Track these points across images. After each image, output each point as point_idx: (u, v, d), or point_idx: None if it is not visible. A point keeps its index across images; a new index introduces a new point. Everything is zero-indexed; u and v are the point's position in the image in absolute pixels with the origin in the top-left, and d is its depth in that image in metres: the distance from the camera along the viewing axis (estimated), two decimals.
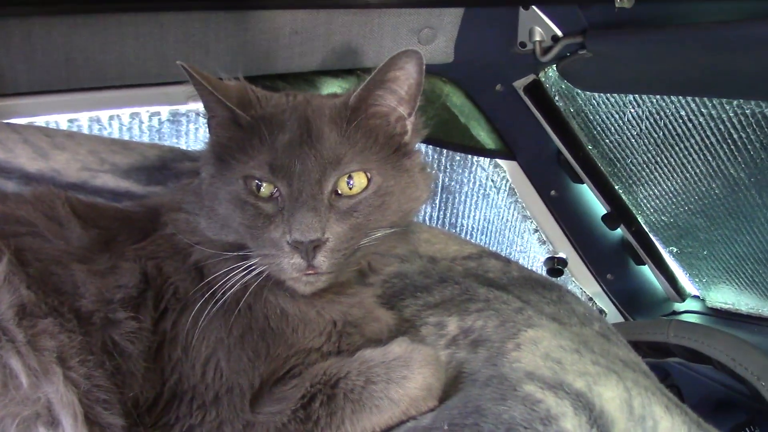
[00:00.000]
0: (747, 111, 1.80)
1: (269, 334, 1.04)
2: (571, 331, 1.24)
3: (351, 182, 1.03)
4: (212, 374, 0.99)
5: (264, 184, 1.02)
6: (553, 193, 2.39)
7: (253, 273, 1.01)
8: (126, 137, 1.84)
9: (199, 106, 1.89)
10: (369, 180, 1.04)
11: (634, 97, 2.03)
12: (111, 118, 1.82)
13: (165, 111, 1.88)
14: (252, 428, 0.97)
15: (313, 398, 0.98)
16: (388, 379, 0.99)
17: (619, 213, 2.40)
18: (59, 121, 1.74)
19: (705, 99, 1.85)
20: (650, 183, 2.26)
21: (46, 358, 0.85)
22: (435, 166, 2.35)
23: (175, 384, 0.98)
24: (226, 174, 1.05)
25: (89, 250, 1.02)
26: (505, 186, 2.44)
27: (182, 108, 1.89)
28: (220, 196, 1.04)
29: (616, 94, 2.05)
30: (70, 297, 0.96)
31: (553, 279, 1.79)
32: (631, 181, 2.31)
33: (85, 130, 1.79)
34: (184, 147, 1.82)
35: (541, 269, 2.55)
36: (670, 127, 2.01)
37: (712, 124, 1.90)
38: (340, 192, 1.03)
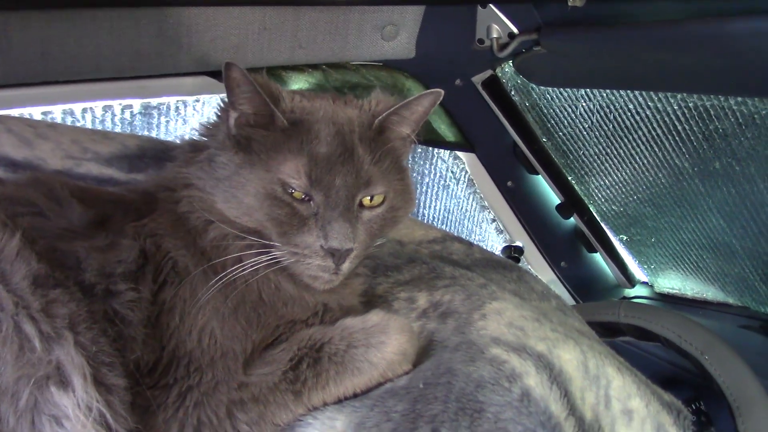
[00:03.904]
0: (690, 104, 1.87)
1: (261, 306, 1.10)
2: (532, 305, 1.32)
3: (373, 197, 1.13)
4: (207, 340, 1.05)
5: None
6: (509, 184, 2.45)
7: (271, 261, 1.08)
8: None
9: (169, 99, 1.96)
10: (385, 196, 1.15)
11: (585, 92, 2.09)
12: (84, 110, 1.84)
13: (137, 104, 1.91)
14: (246, 388, 1.04)
15: (300, 361, 1.06)
16: (367, 344, 1.07)
17: (572, 203, 2.47)
18: (33, 113, 1.75)
19: (651, 93, 1.93)
20: (601, 173, 2.33)
21: (58, 324, 0.90)
22: None
23: (173, 349, 1.04)
24: (257, 169, 1.08)
25: (88, 228, 1.07)
26: (464, 177, 2.50)
27: (154, 101, 1.93)
28: (247, 187, 1.08)
29: (568, 89, 2.12)
30: (74, 271, 1.00)
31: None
32: (583, 172, 2.38)
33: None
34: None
35: None
36: (619, 120, 2.08)
37: (658, 117, 1.97)
38: (363, 204, 1.13)
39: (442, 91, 1.16)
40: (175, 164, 1.21)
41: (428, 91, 1.15)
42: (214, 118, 1.21)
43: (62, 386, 0.87)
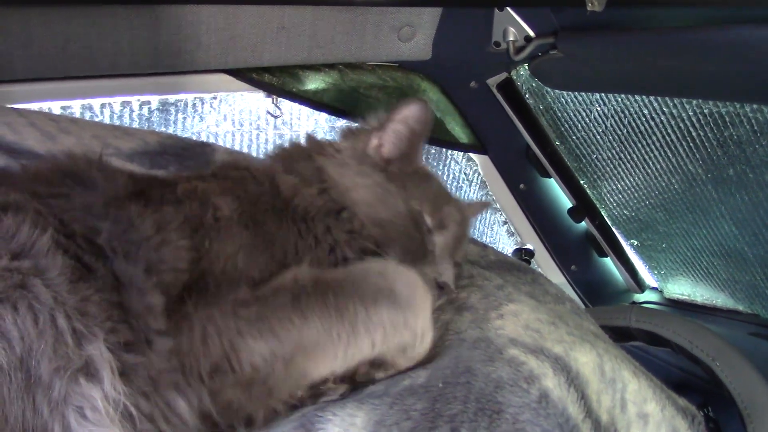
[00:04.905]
0: (705, 111, 1.87)
1: (292, 256, 1.11)
2: (547, 308, 1.33)
3: None
4: (232, 269, 1.04)
5: None
6: (521, 186, 2.46)
7: None
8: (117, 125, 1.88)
9: (186, 96, 1.97)
10: None
11: (600, 96, 2.10)
12: (103, 105, 1.86)
13: (155, 100, 1.93)
14: (253, 292, 1.02)
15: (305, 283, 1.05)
16: (384, 273, 1.06)
17: (583, 206, 2.48)
18: (53, 107, 1.77)
19: (666, 99, 1.93)
20: (614, 178, 2.33)
21: (89, 321, 0.91)
22: None
23: (203, 268, 1.03)
24: (401, 193, 1.23)
25: (134, 195, 1.06)
26: (477, 179, 2.50)
27: (171, 98, 1.95)
28: (389, 202, 1.21)
29: (583, 93, 2.12)
30: (117, 244, 0.99)
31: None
32: (595, 176, 2.38)
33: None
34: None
35: None
36: (633, 124, 2.08)
37: (672, 123, 1.97)
38: None
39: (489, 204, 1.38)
40: (284, 157, 1.31)
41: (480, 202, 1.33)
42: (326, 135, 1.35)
43: (91, 378, 0.88)
